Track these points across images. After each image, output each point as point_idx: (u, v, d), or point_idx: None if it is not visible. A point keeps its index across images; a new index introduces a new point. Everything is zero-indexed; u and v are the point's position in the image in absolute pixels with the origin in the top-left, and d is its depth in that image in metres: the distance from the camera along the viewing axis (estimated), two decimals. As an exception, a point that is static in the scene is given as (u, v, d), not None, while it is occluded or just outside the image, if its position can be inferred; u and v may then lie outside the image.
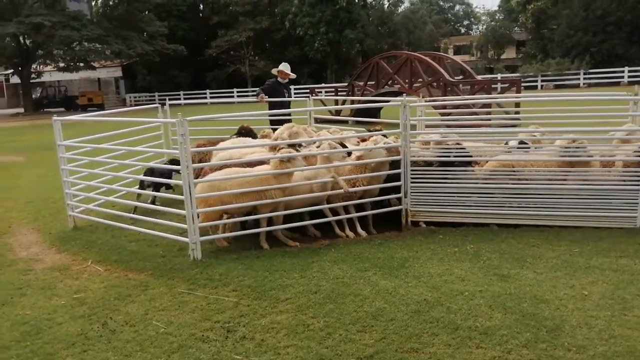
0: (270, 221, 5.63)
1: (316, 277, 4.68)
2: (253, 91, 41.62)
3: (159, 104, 9.07)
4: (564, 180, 5.79)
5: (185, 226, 5.30)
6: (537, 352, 3.32)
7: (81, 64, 39.48)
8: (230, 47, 45.43)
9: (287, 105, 9.25)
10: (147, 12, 43.68)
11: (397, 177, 6.09)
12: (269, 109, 8.99)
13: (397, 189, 6.15)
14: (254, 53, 47.66)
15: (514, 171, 5.96)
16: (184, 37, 45.35)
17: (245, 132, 7.42)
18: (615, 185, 5.66)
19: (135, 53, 39.53)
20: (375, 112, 16.80)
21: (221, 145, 6.67)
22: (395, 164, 6.09)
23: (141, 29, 41.26)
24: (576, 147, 5.76)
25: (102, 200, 6.94)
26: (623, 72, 33.14)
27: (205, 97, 39.62)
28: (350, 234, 5.90)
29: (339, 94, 22.08)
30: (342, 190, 5.74)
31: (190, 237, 5.26)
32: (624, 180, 5.63)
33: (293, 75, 9.15)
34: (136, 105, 41.59)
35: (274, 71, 9.23)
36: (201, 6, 50.18)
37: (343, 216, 5.95)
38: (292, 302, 4.20)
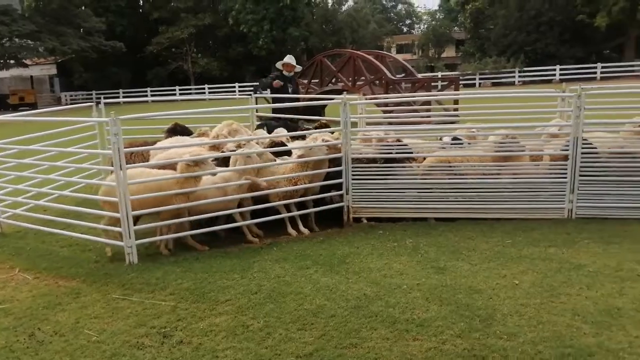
0: (209, 221, 5.54)
1: (257, 277, 4.63)
2: (197, 89, 40.95)
3: (96, 102, 8.70)
4: (498, 174, 6.02)
5: (120, 229, 5.11)
6: (470, 341, 3.42)
7: (12, 61, 37.40)
8: (172, 44, 44.36)
9: (293, 99, 8.68)
10: (83, 8, 41.96)
11: (339, 174, 6.13)
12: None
13: (338, 186, 6.19)
14: (197, 50, 46.76)
15: (450, 167, 6.13)
16: (123, 34, 43.90)
17: (180, 130, 7.22)
18: (544, 178, 5.93)
19: (71, 50, 37.92)
20: (319, 110, 16.88)
21: (159, 144, 6.48)
22: (337, 161, 6.12)
23: (77, 24, 39.61)
24: (509, 142, 5.99)
25: (32, 204, 6.58)
26: (555, 70, 34.88)
27: (146, 96, 38.48)
28: (293, 232, 5.88)
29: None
30: (277, 189, 5.71)
31: (126, 240, 5.07)
32: (553, 174, 5.91)
33: (299, 68, 8.73)
34: (72, 104, 39.82)
35: (279, 64, 8.85)
36: (141, 2, 48.69)
37: (284, 214, 5.92)
38: (232, 303, 4.13)
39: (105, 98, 9.68)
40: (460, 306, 3.90)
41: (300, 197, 5.99)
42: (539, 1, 37.45)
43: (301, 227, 5.95)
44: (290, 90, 8.56)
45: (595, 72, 34.63)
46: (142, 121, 8.91)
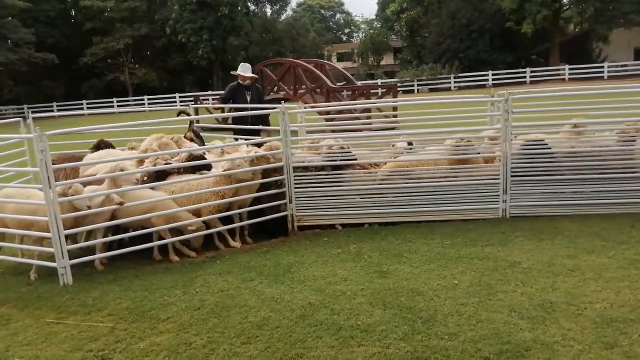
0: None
1: (200, 291, 4.53)
2: (135, 100, 39.80)
3: (24, 117, 8.24)
4: (437, 178, 6.19)
5: (52, 250, 4.86)
6: (413, 343, 3.48)
7: None
8: (108, 55, 43.00)
9: (253, 108, 8.06)
10: (10, 18, 39.84)
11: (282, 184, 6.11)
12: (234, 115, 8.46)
13: (282, 195, 6.16)
14: (134, 61, 45.54)
15: (406, 172, 6.24)
16: (54, 45, 42.05)
17: (105, 146, 6.99)
18: (480, 180, 6.15)
19: (-2, 62, 35.91)
20: (267, 120, 16.79)
21: (86, 159, 6.24)
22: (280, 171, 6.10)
23: (4, 36, 37.55)
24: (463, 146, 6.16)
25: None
26: (487, 75, 36.41)
27: (82, 108, 37.00)
28: (237, 244, 5.77)
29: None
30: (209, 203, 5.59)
31: (59, 261, 4.83)
32: (487, 175, 6.14)
33: (252, 76, 8.19)
34: (1, 119, 37.66)
35: (235, 73, 8.47)
36: (73, 12, 46.85)
37: (219, 228, 5.73)
38: (174, 320, 4.01)
39: (38, 112, 9.22)
40: (403, 309, 3.96)
41: (226, 210, 5.78)
42: (469, 10, 39.10)
43: (231, 242, 5.80)
44: (248, 99, 8.12)
45: (525, 77, 36.46)
46: (76, 136, 8.54)
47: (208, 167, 5.85)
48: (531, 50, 41.51)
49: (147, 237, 5.49)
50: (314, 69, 17.24)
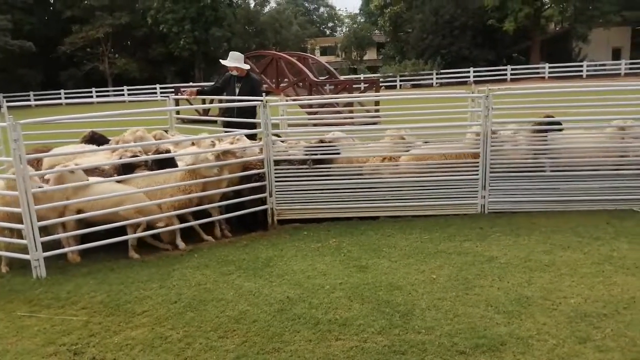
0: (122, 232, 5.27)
1: (177, 285, 4.47)
2: (115, 90, 39.18)
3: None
4: (417, 173, 6.21)
5: (25, 242, 4.75)
6: (390, 337, 3.49)
7: None
8: (87, 44, 42.21)
9: (233, 100, 7.67)
10: (-17, 4, 38.87)
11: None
12: (221, 108, 8.17)
13: (262, 189, 6.11)
14: (114, 50, 44.79)
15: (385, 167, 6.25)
16: (32, 33, 41.08)
17: (98, 138, 6.85)
18: (459, 175, 6.19)
19: (-28, 49, 34.99)
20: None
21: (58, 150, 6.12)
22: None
23: (-22, 22, 36.63)
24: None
25: None
26: (469, 72, 36.72)
27: (60, 98, 36.26)
28: (182, 245, 5.49)
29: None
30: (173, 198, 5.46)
31: (32, 253, 4.72)
32: (466, 171, 6.18)
33: (238, 66, 7.61)
34: (-25, 107, 36.67)
35: (223, 62, 8.00)
36: (51, -1, 45.93)
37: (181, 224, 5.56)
38: (150, 314, 3.96)
39: (13, 101, 8.98)
40: (381, 303, 3.97)
41: (196, 205, 5.62)
42: (452, 6, 39.31)
43: (203, 235, 5.70)
44: (237, 91, 7.62)
45: (505, 74, 36.86)
46: (52, 126, 8.38)
47: (172, 162, 5.72)
48: (512, 48, 41.97)
49: (123, 230, 5.39)
50: (296, 62, 17.16)
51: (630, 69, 34.10)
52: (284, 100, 7.40)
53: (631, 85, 7.81)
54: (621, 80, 31.26)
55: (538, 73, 36.63)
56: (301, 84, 17.02)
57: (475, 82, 34.76)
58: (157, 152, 5.65)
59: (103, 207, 5.06)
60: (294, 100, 9.91)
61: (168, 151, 5.77)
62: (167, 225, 5.37)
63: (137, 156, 5.60)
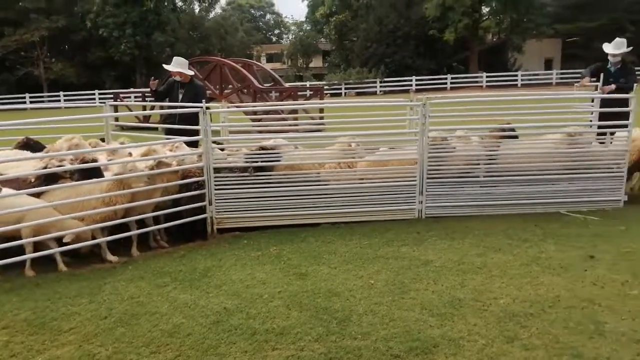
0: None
1: (108, 299, 4.30)
2: (50, 96, 37.48)
3: None
4: (358, 179, 6.29)
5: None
6: (327, 344, 3.49)
7: None
8: (21, 48, 40.15)
9: (172, 107, 7.41)
10: None
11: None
12: (162, 115, 7.83)
13: (201, 197, 5.99)
14: (50, 55, 42.87)
15: (318, 173, 6.28)
16: (-40, 35, 38.73)
17: (33, 144, 6.52)
18: (397, 181, 6.31)
19: None
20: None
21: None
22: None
23: None
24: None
25: None
26: (411, 81, 37.66)
27: (-10, 104, 34.27)
28: (113, 259, 5.29)
29: (147, 99, 21.01)
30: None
31: (-52, 270, 4.42)
32: (404, 177, 6.32)
33: (188, 72, 7.40)
34: None
35: (166, 67, 7.72)
36: (-19, 0, 43.37)
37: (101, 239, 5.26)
38: (77, 331, 3.78)
39: None
40: (319, 310, 3.97)
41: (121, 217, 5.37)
42: (395, 16, 40.26)
43: (133, 250, 5.49)
44: (180, 97, 7.36)
45: (446, 83, 38.07)
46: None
47: (98, 172, 5.50)
48: (453, 57, 43.40)
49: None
50: (241, 68, 17.04)
51: (561, 78, 35.99)
52: (225, 107, 7.29)
53: (561, 94, 8.24)
54: (553, 89, 32.96)
55: (476, 82, 38.06)
56: (245, 90, 16.90)
57: (418, 91, 35.72)
58: (83, 161, 5.40)
59: (5, 223, 4.73)
60: (237, 106, 9.82)
61: (94, 160, 5.52)
62: (80, 240, 5.07)
63: (62, 166, 5.34)
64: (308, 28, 56.67)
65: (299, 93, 17.95)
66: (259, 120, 10.25)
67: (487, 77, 37.72)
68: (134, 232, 5.51)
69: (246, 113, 13.68)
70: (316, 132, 9.34)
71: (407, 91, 35.77)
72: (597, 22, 38.37)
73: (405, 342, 3.47)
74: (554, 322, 3.67)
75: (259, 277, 4.69)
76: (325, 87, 38.16)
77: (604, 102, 6.96)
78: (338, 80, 38.95)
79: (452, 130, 6.73)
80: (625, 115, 6.34)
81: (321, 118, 13.85)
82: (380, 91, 38.48)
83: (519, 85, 35.98)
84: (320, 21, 50.25)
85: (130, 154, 5.82)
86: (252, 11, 71.74)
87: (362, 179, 6.30)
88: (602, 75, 7.20)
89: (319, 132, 9.26)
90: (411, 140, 6.57)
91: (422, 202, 6.27)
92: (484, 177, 6.37)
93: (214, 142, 6.24)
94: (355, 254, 5.16)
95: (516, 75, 37.50)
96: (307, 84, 37.16)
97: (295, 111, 14.70)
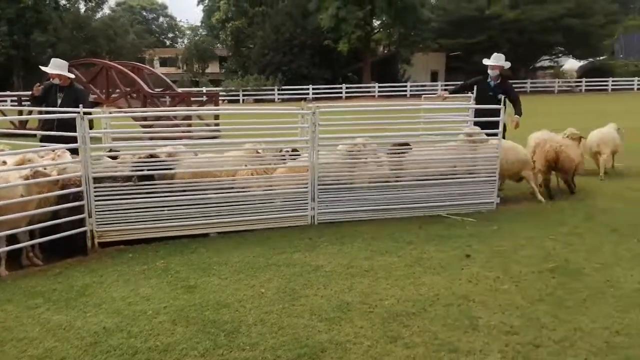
0: None
1: (-34, 326, 3.84)
2: None
3: None
4: (250, 187, 6.23)
5: None
6: (214, 358, 3.39)
7: None
8: None
9: (48, 112, 6.82)
10: None
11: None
12: (39, 120, 7.00)
13: (80, 209, 5.57)
14: None
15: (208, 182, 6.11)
16: None
17: None
18: (290, 188, 6.35)
19: None
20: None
21: None
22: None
23: None
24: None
25: None
26: (308, 89, 38.32)
27: None
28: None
29: (24, 103, 19.30)
30: None
31: None
32: (297, 184, 6.37)
33: (67, 75, 6.83)
34: None
35: (43, 69, 7.09)
36: None
37: None
38: None
39: None
40: (207, 324, 3.85)
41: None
42: (291, 25, 40.81)
43: (1, 269, 4.94)
44: (59, 102, 6.87)
45: (341, 92, 39.23)
46: None
47: None
48: (347, 68, 44.85)
49: None
50: (129, 72, 16.24)
51: (445, 89, 38.55)
52: (107, 112, 6.89)
53: (442, 105, 8.81)
54: (437, 100, 35.21)
55: (369, 92, 39.67)
56: (135, 95, 16.14)
57: (315, 99, 36.42)
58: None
59: None
60: (119, 112, 9.31)
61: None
62: None
63: None
64: (204, 33, 55.60)
65: (193, 99, 17.47)
66: (150, 126, 9.83)
67: (379, 87, 39.47)
68: (3, 249, 4.99)
69: (135, 119, 13.07)
70: (211, 139, 9.12)
71: (304, 99, 36.35)
72: (476, 39, 41.80)
73: (293, 349, 3.48)
74: (434, 319, 3.87)
75: (143, 293, 4.45)
76: (223, 93, 37.68)
77: (478, 112, 7.54)
78: (236, 87, 38.61)
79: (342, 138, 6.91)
80: (495, 125, 6.90)
81: (216, 125, 13.60)
82: (278, 99, 38.71)
83: (408, 95, 38.03)
84: (216, 26, 49.54)
85: (4, 162, 5.28)
86: (144, 13, 68.99)
87: (254, 186, 6.23)
88: (476, 87, 7.80)
89: (215, 139, 9.06)
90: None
91: (314, 208, 6.35)
92: (374, 183, 6.59)
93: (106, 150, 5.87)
94: (247, 263, 5.10)
95: (405, 86, 39.63)
96: (204, 89, 36.33)
97: (189, 117, 14.29)
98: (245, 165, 6.36)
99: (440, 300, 4.21)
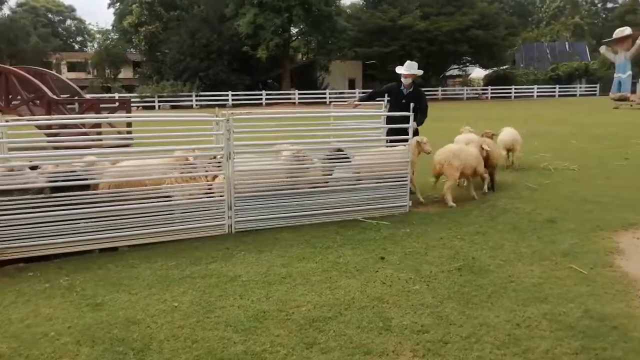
0: None
1: None
2: None
3: None
4: (161, 197, 6.01)
5: None
6: (122, 378, 3.22)
7: None
8: None
9: None
10: None
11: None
12: None
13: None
14: None
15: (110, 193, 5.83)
16: None
17: None
18: (206, 197, 6.21)
19: None
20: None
21: None
22: None
23: None
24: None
25: None
26: (228, 95, 37.84)
27: None
28: None
29: None
30: None
31: None
32: (213, 193, 6.25)
33: None
34: None
35: None
36: None
37: None
38: None
39: None
40: (115, 342, 3.66)
41: None
42: (208, 31, 40.17)
43: None
44: None
45: (261, 99, 39.10)
46: None
47: None
48: (267, 74, 44.89)
49: None
50: (31, 77, 15.18)
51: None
52: (2, 120, 6.37)
53: (356, 112, 9.02)
54: (348, 107, 36.05)
55: (290, 98, 39.88)
56: (38, 102, 15.10)
57: (235, 106, 36.07)
58: None
59: None
60: (16, 119, 8.68)
61: None
62: None
63: None
64: (115, 37, 53.26)
65: (104, 105, 16.64)
66: (55, 135, 9.23)
67: (299, 94, 39.78)
68: None
69: (39, 127, 12.22)
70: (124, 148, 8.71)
71: (224, 105, 35.81)
72: (390, 48, 43.40)
73: (207, 363, 3.39)
74: (349, 323, 3.93)
75: (44, 313, 4.15)
76: (138, 99, 36.29)
77: (390, 119, 7.78)
78: (151, 93, 37.32)
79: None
80: (405, 132, 7.16)
81: (129, 132, 13.04)
82: (196, 105, 37.89)
83: (328, 102, 38.64)
84: (129, 31, 47.63)
85: None
86: (50, 15, 64.96)
87: (167, 197, 6.02)
88: (390, 95, 8.04)
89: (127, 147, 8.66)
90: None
91: (231, 217, 6.25)
92: (291, 189, 6.60)
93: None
94: (160, 277, 4.91)
95: (325, 93, 40.23)
96: (116, 95, 34.82)
97: (98, 125, 13.59)
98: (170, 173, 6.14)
99: (356, 303, 4.28)
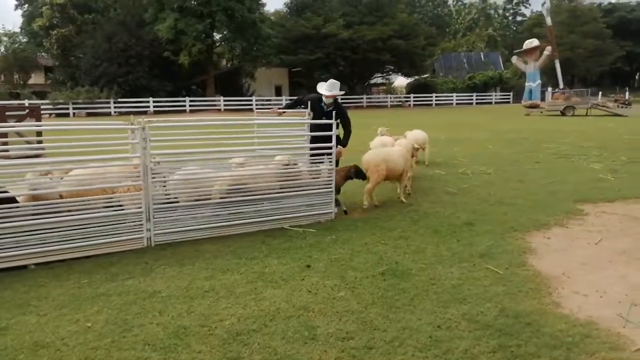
0: None
1: None
2: None
3: None
4: (74, 210, 5.65)
5: None
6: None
7: None
8: None
9: None
10: None
11: None
12: None
13: None
14: None
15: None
16: None
17: None
18: (122, 209, 5.90)
19: None
20: None
21: None
22: None
23: None
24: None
25: None
26: (149, 102, 36.55)
27: None
28: None
29: None
30: None
31: None
32: (129, 205, 5.95)
33: None
34: None
35: None
36: None
37: None
38: None
39: None
40: (16, 371, 3.37)
41: None
42: (125, 35, 38.68)
43: None
44: None
45: (185, 105, 38.13)
46: None
47: None
48: (190, 80, 43.87)
49: None
50: None
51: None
52: None
53: (282, 119, 8.97)
54: (272, 114, 36.08)
55: (215, 105, 39.18)
56: None
57: (157, 112, 34.92)
58: None
59: None
60: None
61: None
62: None
63: None
64: (24, 40, 49.88)
65: (10, 113, 15.47)
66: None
67: (224, 100, 39.19)
68: None
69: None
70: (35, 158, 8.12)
71: (145, 112, 34.54)
72: (315, 56, 43.90)
73: (123, 386, 3.19)
74: (274, 334, 3.86)
75: (-63, 343, 3.75)
76: (50, 106, 34.23)
77: (313, 127, 7.78)
78: (64, 100, 35.28)
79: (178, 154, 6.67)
80: (329, 139, 7.21)
81: (39, 142, 12.22)
82: (115, 112, 36.28)
83: (254, 109, 38.34)
84: (39, 34, 44.82)
85: None
86: (-53, 15, 59.68)
87: (77, 209, 5.66)
88: (311, 107, 7.98)
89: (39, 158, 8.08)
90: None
91: (150, 229, 5.98)
92: (214, 199, 6.44)
93: None
94: (72, 296, 4.59)
95: (251, 100, 39.91)
96: (26, 102, 32.61)
97: (4, 134, 12.59)
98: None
99: (281, 313, 4.22)
